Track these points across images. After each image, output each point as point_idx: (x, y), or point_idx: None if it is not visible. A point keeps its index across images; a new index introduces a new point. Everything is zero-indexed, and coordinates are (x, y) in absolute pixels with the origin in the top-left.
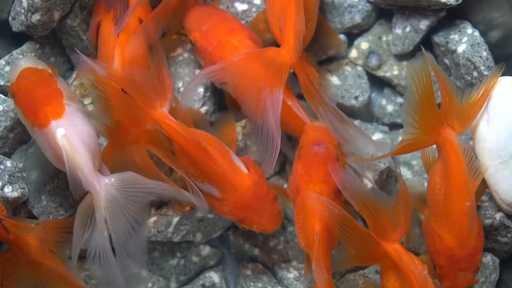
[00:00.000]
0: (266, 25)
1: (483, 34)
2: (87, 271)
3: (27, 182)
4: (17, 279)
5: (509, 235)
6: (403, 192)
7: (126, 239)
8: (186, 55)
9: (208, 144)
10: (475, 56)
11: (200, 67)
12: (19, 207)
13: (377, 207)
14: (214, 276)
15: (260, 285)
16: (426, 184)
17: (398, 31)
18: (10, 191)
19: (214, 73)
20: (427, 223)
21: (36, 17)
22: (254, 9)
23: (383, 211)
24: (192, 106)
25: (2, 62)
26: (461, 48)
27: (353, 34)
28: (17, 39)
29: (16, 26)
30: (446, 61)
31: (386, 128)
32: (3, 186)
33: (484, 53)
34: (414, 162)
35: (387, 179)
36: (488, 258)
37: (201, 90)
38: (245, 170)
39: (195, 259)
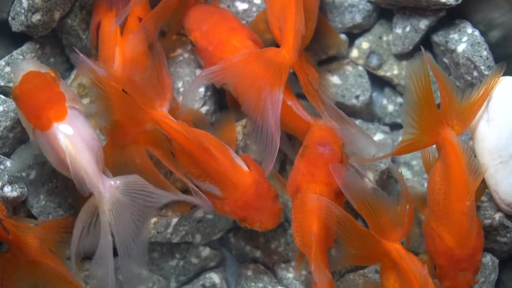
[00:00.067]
0: (267, 25)
1: (483, 34)
2: (87, 271)
3: (26, 182)
4: (17, 279)
5: (508, 235)
6: (405, 193)
7: (129, 241)
8: (186, 55)
9: (208, 143)
10: (475, 55)
11: (200, 67)
12: (18, 207)
13: (378, 207)
14: (214, 277)
15: (261, 285)
16: (426, 184)
17: (398, 30)
18: (9, 191)
19: (215, 74)
20: (426, 223)
21: (36, 17)
22: (254, 9)
23: (384, 211)
24: (192, 106)
25: (2, 62)
26: (460, 48)
27: (353, 34)
28: (17, 39)
29: (16, 26)
30: (445, 60)
31: (387, 128)
32: (3, 186)
33: (484, 53)
34: (414, 162)
35: (388, 179)
36: (487, 258)
37: (201, 90)
38: (246, 168)
39: (194, 260)
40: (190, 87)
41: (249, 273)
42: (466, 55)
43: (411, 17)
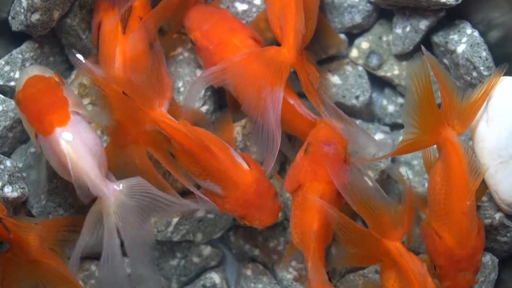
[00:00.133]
0: (267, 24)
1: (482, 34)
2: (86, 271)
3: (26, 182)
4: (18, 278)
5: (508, 234)
6: (408, 191)
7: (135, 243)
8: (186, 54)
9: (209, 141)
10: (474, 56)
11: (200, 66)
12: (18, 207)
13: (379, 206)
14: (215, 277)
15: (260, 286)
16: (426, 184)
17: (398, 31)
18: (10, 191)
19: (215, 74)
20: (426, 223)
21: (35, 17)
22: (254, 9)
23: (384, 210)
24: (193, 106)
25: (2, 61)
26: (460, 48)
27: (353, 34)
28: (17, 39)
29: (15, 26)
30: (445, 61)
31: (387, 129)
32: (3, 186)
33: (484, 53)
34: (415, 162)
35: (388, 179)
36: (487, 258)
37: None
38: (246, 167)
39: (195, 259)
40: (191, 88)
41: (248, 272)
42: (465, 56)
43: (411, 17)
